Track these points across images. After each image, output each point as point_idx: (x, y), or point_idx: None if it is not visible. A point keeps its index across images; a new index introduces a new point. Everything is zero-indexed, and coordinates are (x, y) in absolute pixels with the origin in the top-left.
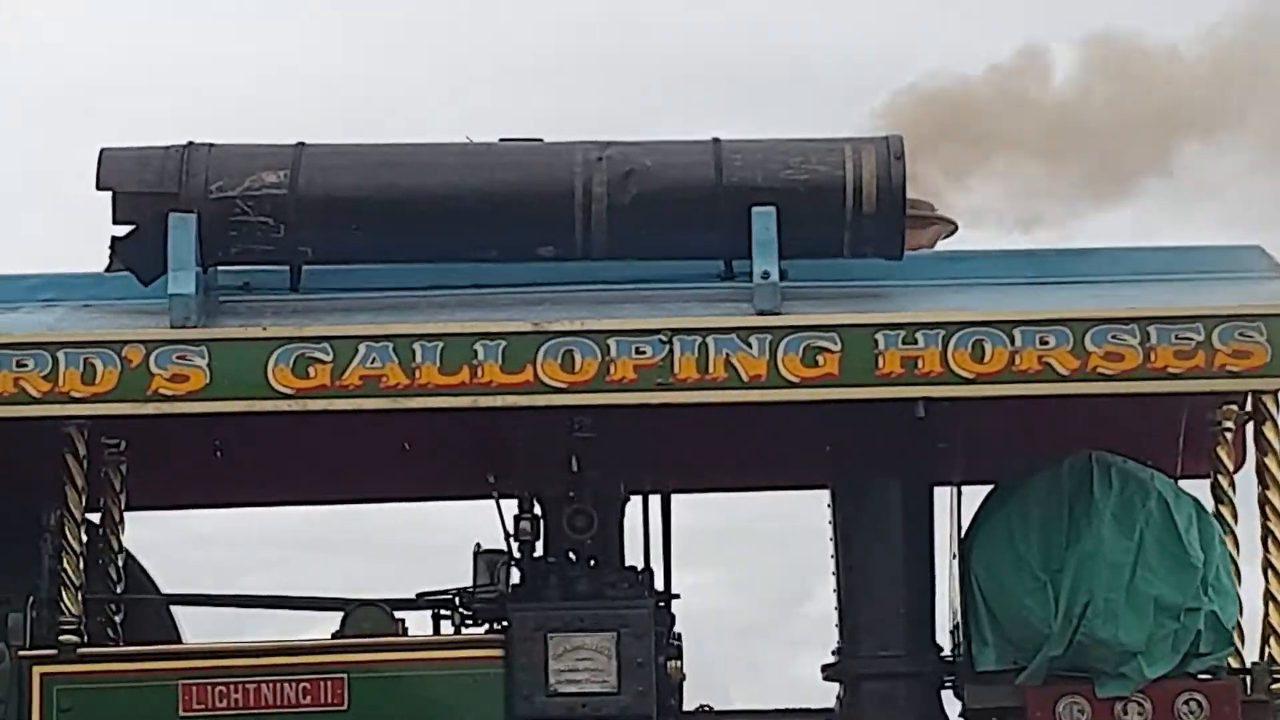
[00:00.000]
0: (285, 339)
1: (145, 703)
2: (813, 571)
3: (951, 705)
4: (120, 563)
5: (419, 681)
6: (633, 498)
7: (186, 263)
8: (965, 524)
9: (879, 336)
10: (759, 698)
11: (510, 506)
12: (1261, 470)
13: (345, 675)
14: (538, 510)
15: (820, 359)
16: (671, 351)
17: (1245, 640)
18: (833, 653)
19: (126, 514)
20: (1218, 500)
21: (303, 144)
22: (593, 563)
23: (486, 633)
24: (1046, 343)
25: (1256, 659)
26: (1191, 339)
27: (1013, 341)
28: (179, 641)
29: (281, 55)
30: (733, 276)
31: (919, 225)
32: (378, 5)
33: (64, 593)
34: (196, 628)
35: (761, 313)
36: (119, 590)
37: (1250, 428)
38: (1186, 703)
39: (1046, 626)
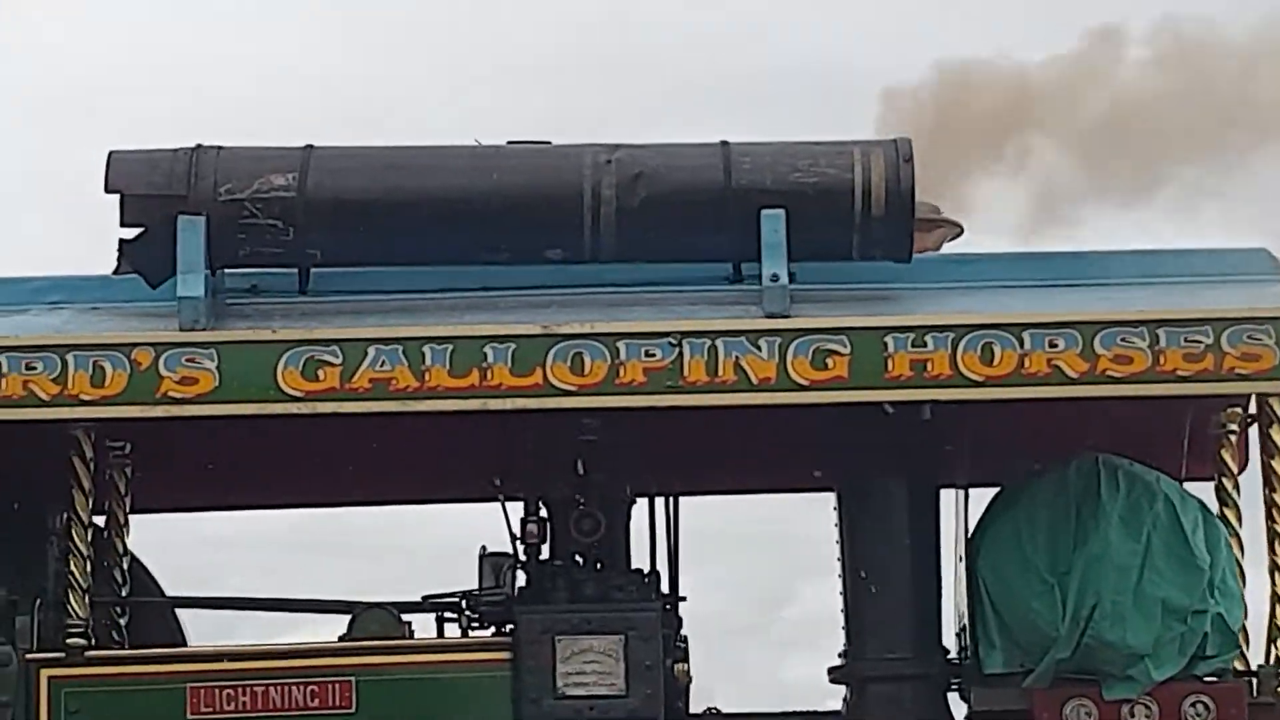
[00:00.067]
0: (295, 342)
1: (153, 705)
2: (797, 574)
3: (958, 708)
4: (125, 565)
5: (426, 684)
6: (638, 500)
7: (195, 265)
8: (971, 526)
9: (888, 339)
10: (743, 701)
11: (515, 509)
12: (1268, 473)
13: (353, 678)
14: (543, 513)
15: (830, 362)
16: (681, 354)
17: (1249, 643)
18: (839, 655)
19: (130, 516)
20: (1222, 503)
21: (311, 146)
22: (599, 565)
23: (494, 635)
24: (1056, 346)
25: (1262, 661)
26: (1200, 342)
27: (1022, 344)
28: (184, 644)
29: (281, 55)
30: (741, 279)
31: (925, 228)
32: (378, 5)
33: (71, 595)
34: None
35: (771, 315)
36: (124, 593)
37: (1255, 430)
38: (1193, 705)
39: (1054, 629)
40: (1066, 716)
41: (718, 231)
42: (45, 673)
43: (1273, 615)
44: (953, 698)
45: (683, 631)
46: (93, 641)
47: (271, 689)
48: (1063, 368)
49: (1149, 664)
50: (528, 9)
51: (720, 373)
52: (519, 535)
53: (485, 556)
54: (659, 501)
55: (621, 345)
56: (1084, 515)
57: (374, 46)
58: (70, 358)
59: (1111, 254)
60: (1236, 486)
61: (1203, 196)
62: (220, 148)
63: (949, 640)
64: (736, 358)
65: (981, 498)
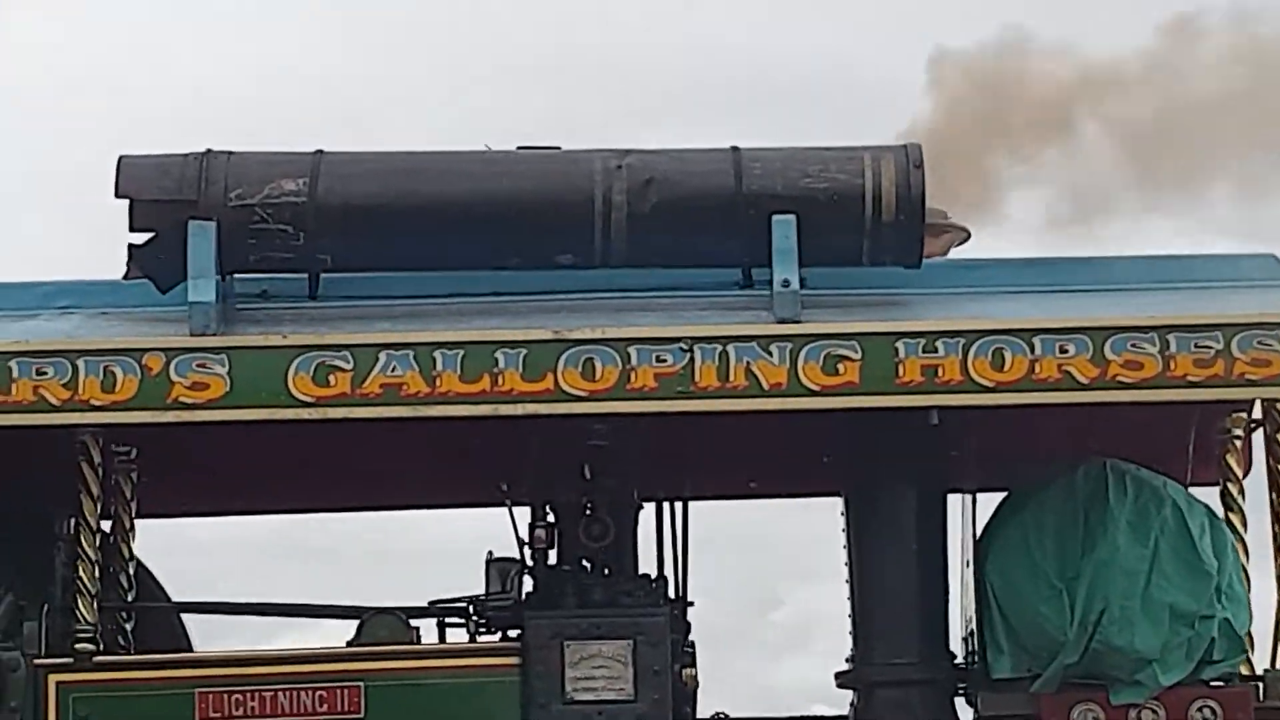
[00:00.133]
0: (306, 347)
1: (161, 711)
2: (782, 579)
3: (964, 713)
4: (131, 570)
5: (435, 689)
6: (645, 505)
7: (206, 270)
8: (978, 531)
9: (899, 345)
10: (727, 706)
11: (522, 514)
12: (1275, 477)
13: (362, 683)
14: (550, 518)
15: (841, 367)
16: (692, 360)
17: (1254, 647)
18: (846, 660)
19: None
20: (1227, 507)
21: (321, 152)
22: (607, 571)
23: (502, 640)
24: (1066, 351)
25: (1268, 666)
26: (1211, 347)
27: (1033, 350)
28: (189, 649)
29: (281, 55)
30: (751, 284)
31: (932, 233)
32: (378, 5)
33: (80, 601)
34: None
35: (782, 321)
36: (130, 598)
37: (1260, 435)
38: (1200, 710)
39: (1062, 634)
40: None
41: (728, 237)
42: (53, 678)
43: (1279, 619)
44: (959, 703)
45: (690, 636)
46: (100, 647)
47: (280, 694)
48: (1073, 373)
49: (1156, 669)
50: (528, 9)
51: (731, 378)
52: (527, 540)
53: (492, 561)
54: (666, 506)
55: (633, 350)
56: (1092, 520)
57: (374, 46)
58: (81, 363)
59: (1120, 259)
60: (1242, 491)
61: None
62: (230, 153)
63: (956, 645)
64: (748, 363)
65: (988, 502)
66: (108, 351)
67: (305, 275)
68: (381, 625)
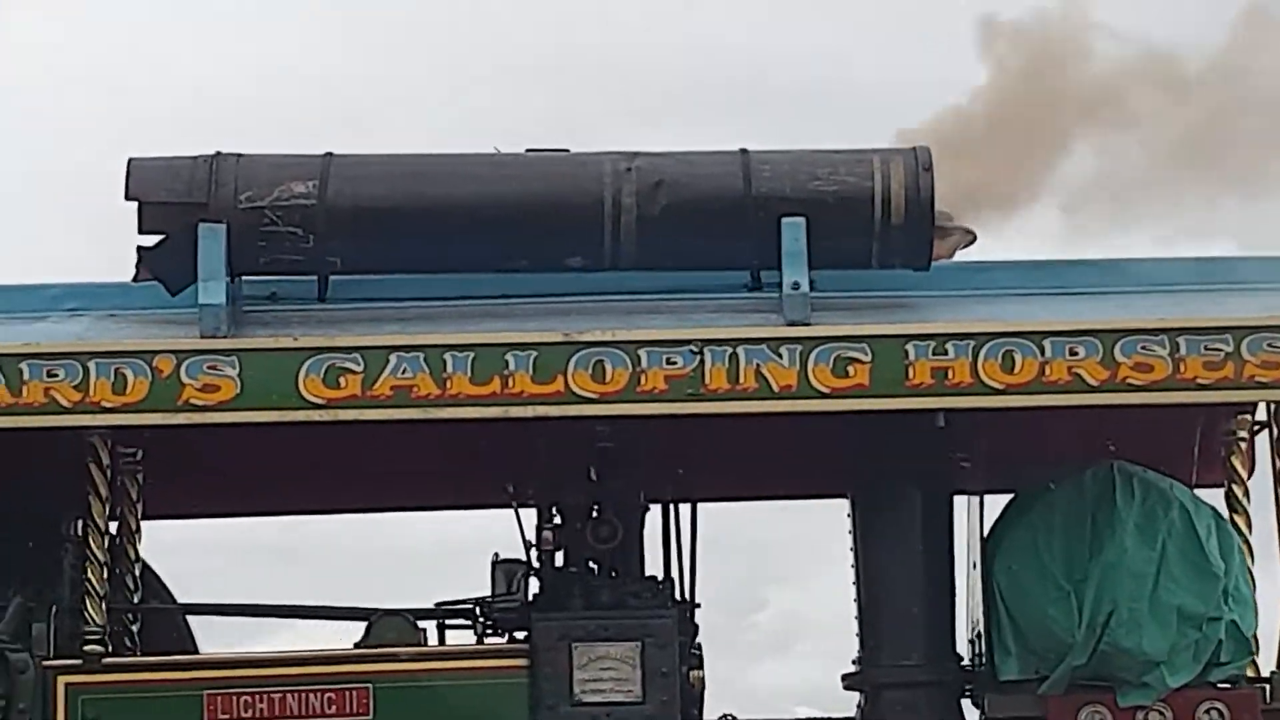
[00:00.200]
0: (316, 349)
1: (170, 712)
2: (765, 581)
3: (971, 714)
4: (137, 572)
5: (444, 691)
6: (651, 507)
7: (217, 273)
8: (985, 533)
9: (909, 347)
10: (712, 709)
11: (528, 516)
12: None
13: (370, 685)
14: (558, 520)
15: (851, 369)
16: (702, 362)
17: (1259, 649)
18: (853, 662)
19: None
20: (1232, 509)
21: (331, 154)
22: (613, 572)
23: (510, 642)
24: (1076, 353)
25: (1275, 668)
26: (1220, 350)
27: (1043, 352)
28: (195, 650)
29: (281, 55)
30: (760, 287)
31: (939, 235)
32: (378, 5)
33: (88, 602)
34: None
35: (792, 323)
36: (137, 599)
37: (1263, 436)
38: (1208, 711)
39: (1070, 636)
40: None
41: (737, 239)
42: (62, 679)
43: None
44: (965, 704)
45: (697, 638)
46: (109, 648)
47: (289, 695)
48: (1083, 375)
49: (1164, 671)
50: (528, 9)
51: (741, 380)
52: (534, 542)
53: (498, 563)
54: (673, 508)
55: (643, 353)
56: (1100, 522)
57: (374, 46)
58: (92, 365)
59: (1129, 261)
60: (1246, 493)
61: None
62: (240, 155)
63: (962, 647)
64: (758, 365)
65: (995, 504)
66: (119, 354)
67: (314, 277)
68: (389, 627)
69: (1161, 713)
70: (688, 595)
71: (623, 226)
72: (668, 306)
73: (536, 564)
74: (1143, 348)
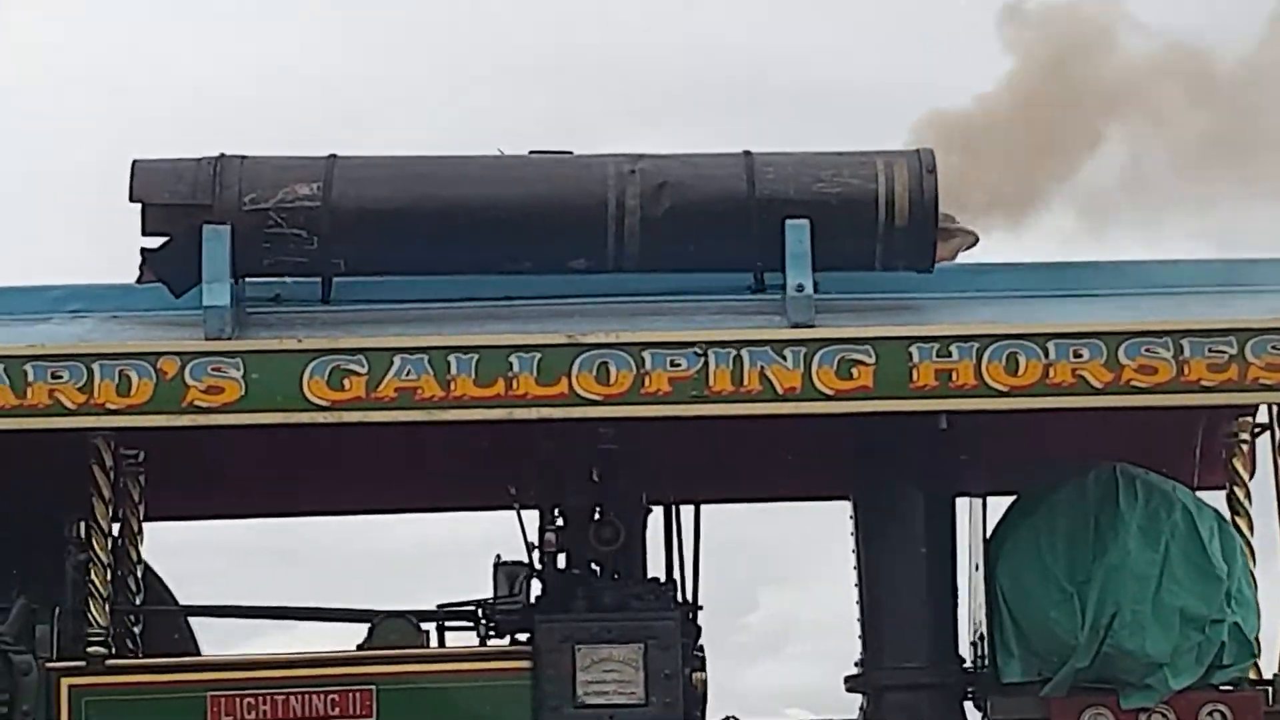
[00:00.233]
0: (320, 351)
1: (173, 714)
2: (757, 583)
3: (973, 716)
4: (139, 573)
5: (447, 693)
6: (653, 509)
7: (221, 275)
8: (988, 534)
9: (913, 349)
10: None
11: (530, 517)
12: None
13: (373, 686)
14: (559, 521)
15: (855, 371)
16: (706, 364)
17: (1260, 651)
18: (855, 664)
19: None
20: (1234, 511)
21: (335, 156)
22: (616, 574)
23: (513, 644)
24: (1080, 356)
25: (1277, 670)
26: (1225, 352)
27: (1047, 354)
28: (196, 652)
29: (281, 55)
30: (764, 289)
31: (941, 237)
32: (378, 5)
33: (92, 604)
34: None
35: (796, 325)
36: (139, 601)
37: (1264, 438)
38: (1210, 714)
39: (1073, 638)
40: None
41: (741, 241)
42: (66, 681)
43: None
44: (968, 707)
45: (700, 640)
46: (112, 650)
47: (292, 697)
48: (1087, 378)
49: (1167, 673)
50: (528, 9)
51: (745, 382)
52: (536, 544)
53: (500, 565)
54: (675, 510)
55: (647, 355)
56: (1103, 524)
57: (374, 46)
58: (96, 366)
59: (1132, 264)
60: (1248, 495)
61: None
62: (244, 157)
63: (965, 649)
64: (762, 367)
65: (997, 506)
66: (123, 355)
67: (318, 279)
68: (392, 629)
69: (1164, 715)
70: (690, 597)
71: (627, 228)
72: (671, 308)
73: (539, 566)
74: (1147, 350)
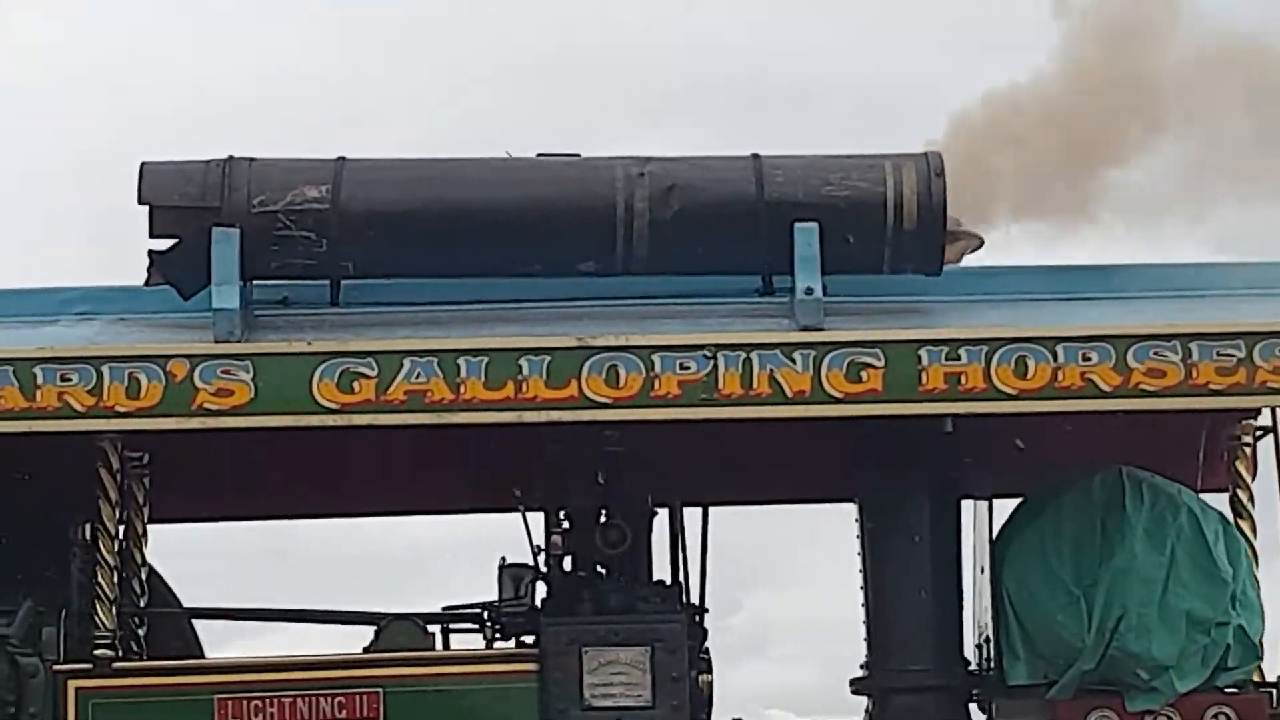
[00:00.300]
0: (330, 354)
1: (180, 716)
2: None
3: (978, 719)
4: (144, 575)
5: (454, 695)
6: (659, 511)
7: (230, 277)
8: (994, 537)
9: (922, 352)
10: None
11: (536, 520)
12: None
13: (380, 689)
14: (565, 524)
15: (864, 375)
16: (716, 367)
17: (1265, 654)
18: (861, 666)
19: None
20: (1237, 514)
21: (344, 159)
22: (622, 577)
23: (520, 647)
24: (1089, 359)
25: None
26: (1233, 355)
27: (1055, 358)
28: (201, 655)
29: (281, 55)
30: (772, 292)
31: (947, 240)
32: (378, 5)
33: (98, 606)
34: None
35: (805, 328)
36: (144, 603)
37: (1268, 441)
38: (1215, 716)
39: (1079, 641)
40: None
41: (749, 244)
42: (72, 684)
43: None
44: (973, 709)
45: (706, 643)
46: (119, 652)
47: (299, 700)
48: (1096, 381)
49: (1173, 675)
50: (528, 9)
51: (755, 385)
52: (543, 546)
53: (505, 568)
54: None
55: (656, 358)
56: (1109, 528)
57: (374, 46)
58: (105, 369)
59: (1140, 267)
60: (1251, 498)
61: None
62: (253, 159)
63: (970, 652)
64: (771, 370)
65: (1003, 509)
66: (132, 358)
67: (327, 282)
68: (399, 631)
69: (1170, 717)
70: (697, 599)
71: (635, 231)
72: (680, 311)
73: (544, 568)
74: (1155, 353)
